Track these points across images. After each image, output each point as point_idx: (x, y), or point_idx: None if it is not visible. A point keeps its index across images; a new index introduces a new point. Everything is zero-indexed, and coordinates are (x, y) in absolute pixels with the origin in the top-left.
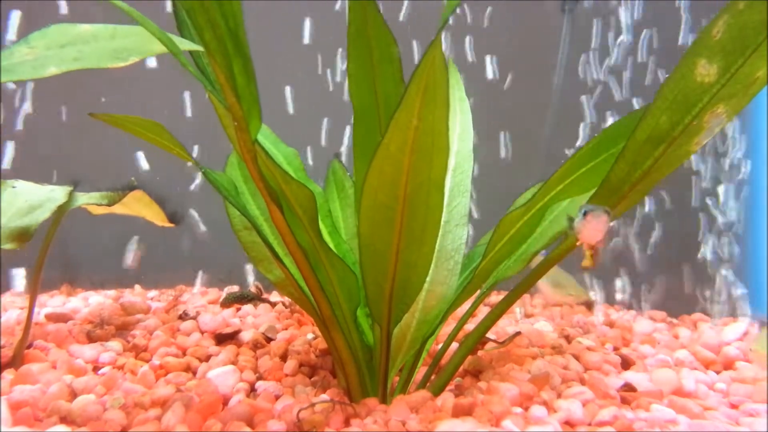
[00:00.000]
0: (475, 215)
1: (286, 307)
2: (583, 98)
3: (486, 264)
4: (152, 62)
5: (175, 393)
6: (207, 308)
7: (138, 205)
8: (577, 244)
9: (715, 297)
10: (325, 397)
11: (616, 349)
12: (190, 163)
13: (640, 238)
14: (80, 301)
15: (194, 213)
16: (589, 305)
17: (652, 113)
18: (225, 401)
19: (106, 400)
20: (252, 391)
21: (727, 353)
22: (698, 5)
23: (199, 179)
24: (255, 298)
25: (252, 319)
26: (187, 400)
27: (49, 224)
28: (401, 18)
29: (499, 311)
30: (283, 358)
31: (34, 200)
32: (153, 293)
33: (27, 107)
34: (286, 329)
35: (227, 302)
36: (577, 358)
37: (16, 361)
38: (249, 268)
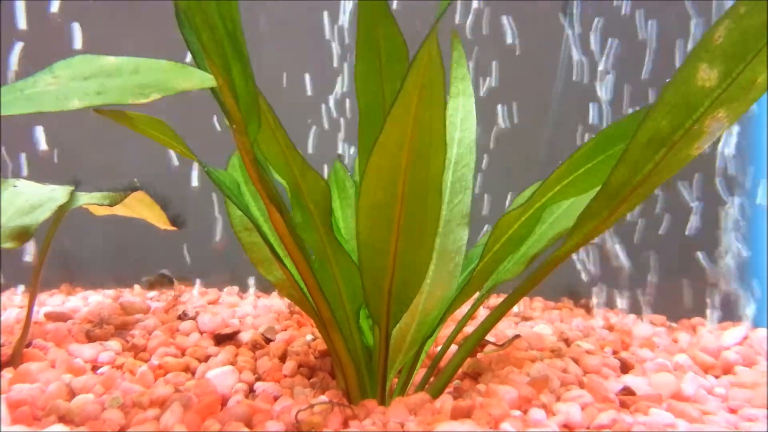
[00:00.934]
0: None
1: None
2: (583, 98)
3: (484, 265)
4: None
5: (174, 393)
6: (206, 308)
7: (139, 207)
8: None
9: (715, 301)
10: (323, 398)
11: (615, 352)
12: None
13: (639, 242)
14: (80, 301)
15: (194, 213)
16: (588, 308)
17: (653, 117)
18: (224, 402)
19: (105, 400)
20: (251, 391)
21: (726, 358)
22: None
23: (196, 180)
24: (172, 282)
25: (251, 320)
26: (185, 400)
27: (49, 224)
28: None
29: (498, 314)
30: (282, 359)
31: (35, 199)
32: (152, 293)
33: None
34: (285, 330)
35: (147, 285)
36: (576, 361)
37: (15, 359)
38: (249, 268)
